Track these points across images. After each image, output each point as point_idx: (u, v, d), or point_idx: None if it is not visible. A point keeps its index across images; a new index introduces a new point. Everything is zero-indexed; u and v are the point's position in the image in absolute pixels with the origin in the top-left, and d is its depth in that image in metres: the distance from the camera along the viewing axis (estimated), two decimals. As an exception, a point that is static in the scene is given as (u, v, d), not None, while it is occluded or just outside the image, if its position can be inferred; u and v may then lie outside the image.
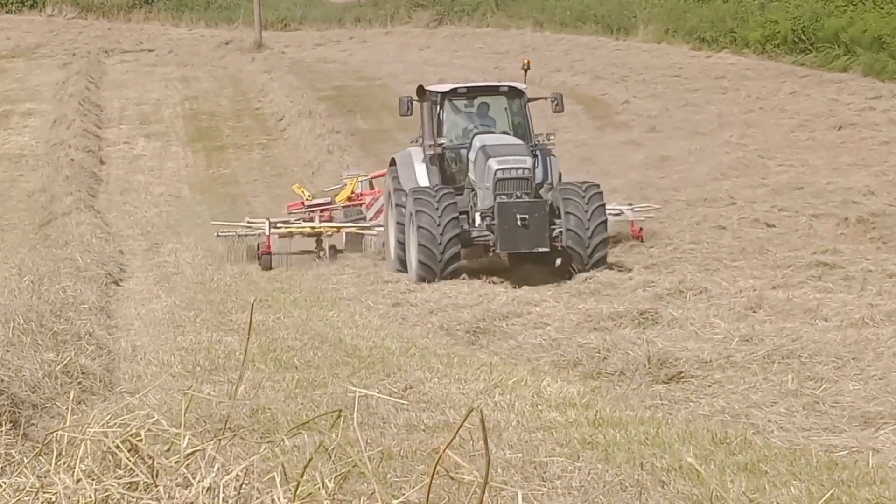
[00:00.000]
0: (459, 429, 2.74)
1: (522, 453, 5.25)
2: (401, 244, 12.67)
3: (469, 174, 12.74)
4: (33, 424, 5.76)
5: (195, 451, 2.98)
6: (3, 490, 2.98)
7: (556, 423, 5.94)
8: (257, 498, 2.90)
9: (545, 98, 13.57)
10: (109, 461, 3.00)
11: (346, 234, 15.45)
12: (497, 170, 12.20)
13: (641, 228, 14.44)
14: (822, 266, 11.58)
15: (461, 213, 12.29)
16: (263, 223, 15.19)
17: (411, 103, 13.05)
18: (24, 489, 2.96)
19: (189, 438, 3.01)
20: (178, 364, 7.79)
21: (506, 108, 13.26)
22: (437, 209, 11.95)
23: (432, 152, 12.91)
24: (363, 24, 38.58)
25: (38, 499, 2.93)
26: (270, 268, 14.61)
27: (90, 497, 2.90)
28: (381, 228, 14.73)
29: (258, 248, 15.02)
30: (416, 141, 13.42)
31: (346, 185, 16.84)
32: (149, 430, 3.02)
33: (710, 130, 23.31)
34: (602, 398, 6.54)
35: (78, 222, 17.12)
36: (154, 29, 39.02)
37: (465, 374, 7.22)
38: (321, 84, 30.49)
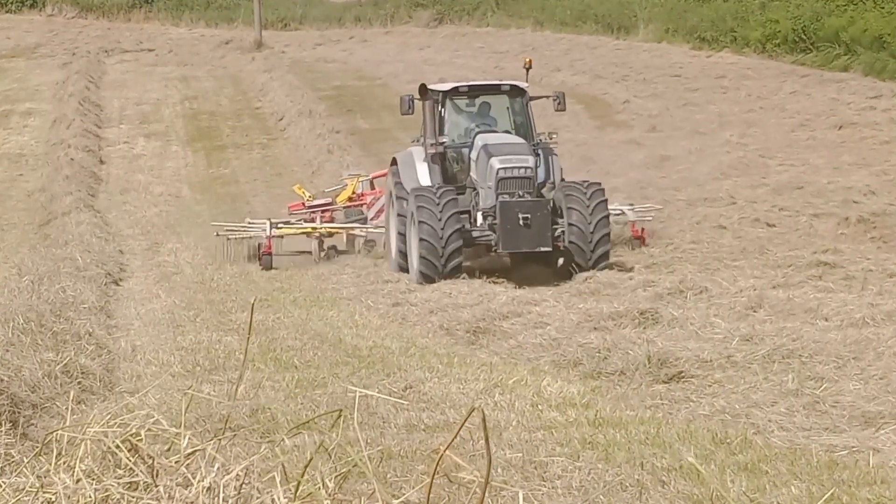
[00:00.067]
0: (461, 429, 2.74)
1: (522, 453, 5.24)
2: (402, 244, 12.61)
3: (471, 173, 12.70)
4: (33, 424, 5.76)
5: (195, 450, 2.98)
6: (3, 490, 2.98)
7: (557, 422, 5.93)
8: (257, 498, 2.89)
9: (547, 97, 13.51)
10: (109, 461, 3.00)
11: (347, 234, 15.43)
12: (499, 169, 12.16)
13: (643, 229, 14.40)
14: (823, 266, 11.57)
15: (463, 212, 12.24)
16: (264, 224, 15.17)
17: (413, 102, 13.01)
18: (23, 489, 2.96)
19: (189, 438, 3.01)
20: (177, 364, 7.78)
21: (508, 107, 13.21)
22: (438, 209, 11.91)
23: (434, 151, 12.87)
24: (363, 23, 38.57)
25: (37, 499, 2.92)
26: (271, 268, 14.59)
27: (90, 497, 2.90)
28: (366, 228, 14.73)
29: (259, 249, 15.01)
30: (418, 140, 13.38)
31: (346, 185, 16.81)
32: (149, 429, 3.02)
33: (710, 130, 23.31)
34: (602, 398, 6.54)
35: (78, 222, 17.12)
36: (154, 28, 39.02)
37: (466, 373, 7.22)
38: (321, 84, 30.49)
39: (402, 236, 12.62)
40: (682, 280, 10.39)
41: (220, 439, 3.05)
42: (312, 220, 15.78)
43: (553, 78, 26.37)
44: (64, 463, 2.98)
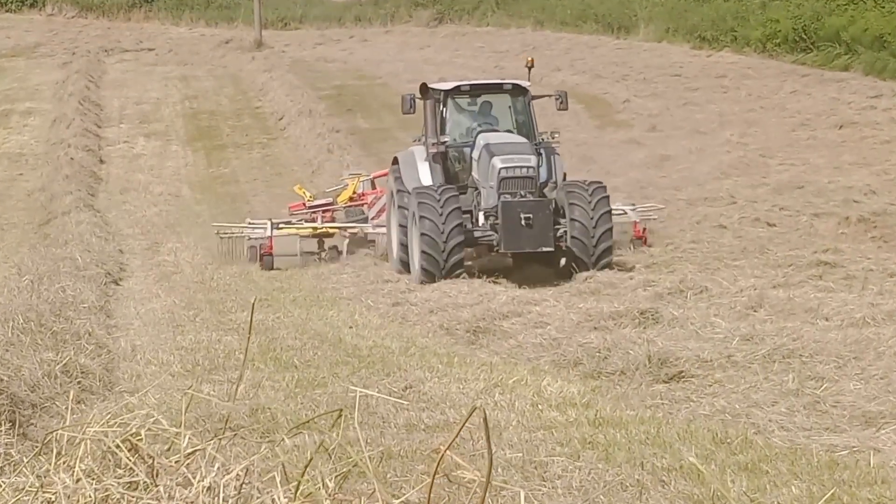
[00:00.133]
0: (461, 428, 2.73)
1: (523, 453, 5.24)
2: (403, 245, 12.55)
3: (472, 173, 12.64)
4: (33, 424, 5.76)
5: (195, 450, 2.98)
6: (3, 490, 2.97)
7: (557, 422, 5.93)
8: (258, 497, 2.89)
9: (550, 95, 13.44)
10: (109, 461, 2.99)
11: (348, 234, 15.39)
12: (501, 168, 12.10)
13: (645, 229, 14.38)
14: (823, 265, 11.57)
15: (464, 212, 12.18)
16: (265, 224, 15.14)
17: (414, 101, 12.95)
18: (23, 489, 2.95)
19: (189, 438, 3.00)
20: (177, 363, 7.78)
21: (510, 106, 13.14)
22: (440, 209, 11.86)
23: (435, 151, 12.81)
24: (363, 23, 38.57)
25: (37, 498, 2.92)
26: (272, 268, 14.57)
27: (90, 497, 2.89)
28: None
29: (259, 249, 14.98)
30: (419, 140, 13.33)
31: (347, 185, 16.78)
32: (149, 429, 3.01)
33: (710, 129, 23.30)
34: (602, 398, 6.54)
35: (77, 221, 17.11)
36: (154, 28, 39.01)
37: (466, 373, 7.21)
38: (321, 83, 30.48)
39: (404, 236, 12.56)
40: (682, 280, 10.39)
41: (220, 439, 3.05)
42: (313, 221, 15.75)
43: (553, 77, 26.36)
44: (64, 463, 2.98)
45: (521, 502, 4.16)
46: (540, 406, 6.28)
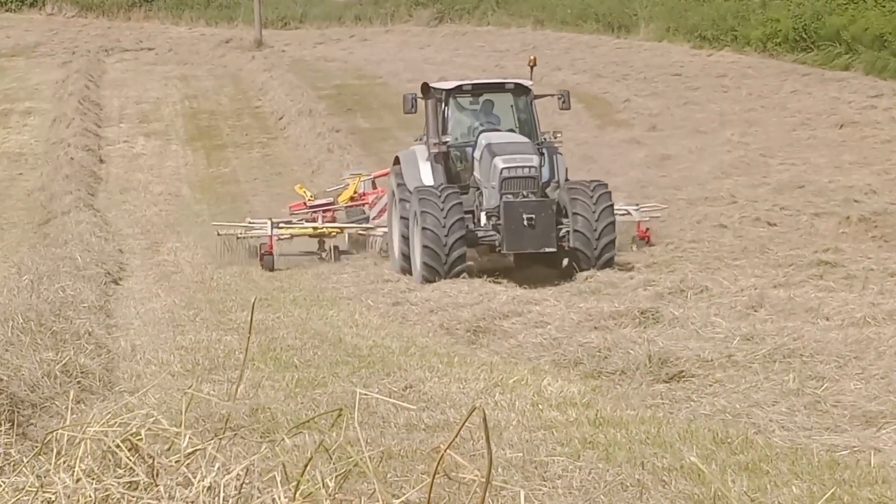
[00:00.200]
0: (461, 428, 2.73)
1: (523, 453, 5.23)
2: (405, 244, 12.47)
3: (474, 173, 12.58)
4: (32, 424, 5.75)
5: (195, 450, 2.97)
6: (3, 489, 2.97)
7: (557, 422, 5.92)
8: (258, 497, 2.88)
9: (552, 95, 13.37)
10: (109, 460, 2.98)
11: (349, 234, 15.36)
12: (503, 168, 12.03)
13: (648, 229, 14.35)
14: (824, 265, 11.56)
15: (466, 212, 12.11)
16: (265, 223, 15.11)
17: (415, 101, 12.88)
18: (23, 489, 2.95)
19: (189, 438, 2.99)
20: (177, 363, 7.77)
21: (512, 106, 13.07)
22: (442, 209, 11.79)
23: (437, 150, 12.74)
24: (363, 22, 38.56)
25: (37, 498, 2.91)
26: (273, 269, 14.54)
27: (90, 496, 2.89)
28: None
29: (260, 249, 14.95)
30: (421, 139, 13.28)
31: (348, 184, 16.75)
32: (149, 429, 3.01)
33: (711, 129, 23.29)
34: (603, 397, 6.53)
35: (77, 221, 17.10)
36: (154, 27, 39.00)
37: (466, 373, 7.21)
38: (321, 82, 30.47)
39: (405, 237, 12.49)
40: (682, 279, 10.38)
41: (220, 439, 3.04)
42: (314, 220, 15.72)
43: (553, 77, 26.35)
44: (64, 462, 2.97)
45: (521, 502, 4.15)
46: (540, 406, 6.27)
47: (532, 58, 13.61)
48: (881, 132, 22.01)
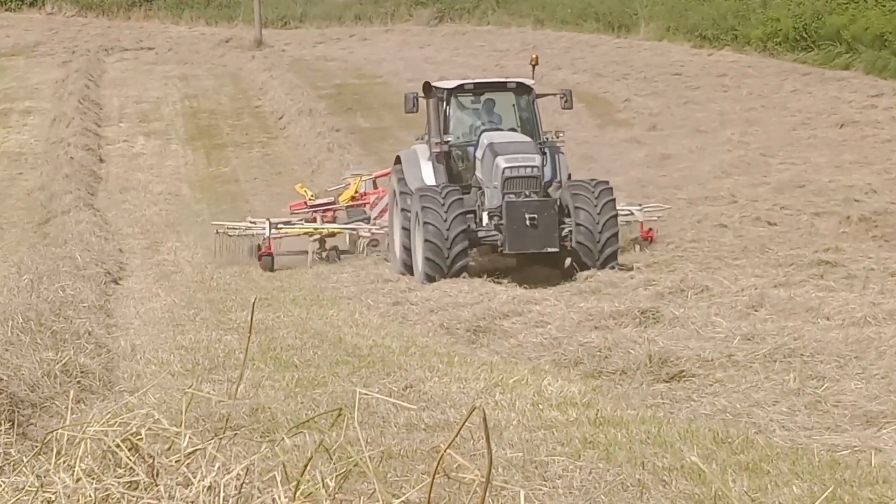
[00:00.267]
0: (461, 428, 2.72)
1: (523, 452, 5.23)
2: (406, 245, 12.39)
3: (476, 172, 12.51)
4: (32, 423, 5.75)
5: (195, 450, 2.97)
6: (3, 489, 2.96)
7: (557, 422, 5.92)
8: (258, 497, 2.88)
9: (554, 94, 13.29)
10: (109, 460, 2.98)
11: (349, 234, 15.32)
12: (505, 168, 11.96)
13: (651, 229, 14.33)
14: (824, 264, 11.55)
15: (468, 212, 12.05)
16: (264, 223, 15.07)
17: (417, 100, 12.81)
18: (23, 488, 2.94)
19: (189, 437, 2.99)
20: (177, 363, 7.77)
21: (513, 105, 13.00)
22: (443, 209, 11.73)
23: (438, 150, 12.66)
24: (363, 21, 38.55)
25: (37, 498, 2.91)
26: (272, 269, 14.51)
27: (90, 496, 2.88)
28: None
29: (259, 249, 14.92)
30: (421, 138, 13.22)
31: (349, 184, 16.72)
32: (149, 429, 3.00)
33: (711, 128, 23.29)
34: (603, 397, 6.52)
35: (77, 221, 17.10)
36: (154, 27, 39.00)
37: (466, 373, 7.20)
38: (321, 82, 30.47)
39: (406, 237, 12.39)
40: (683, 279, 10.37)
41: (220, 438, 3.04)
42: (314, 220, 15.69)
43: (554, 76, 26.34)
44: (64, 462, 2.97)
45: (521, 502, 4.14)
46: (540, 405, 6.26)
47: (534, 56, 13.53)
48: (881, 132, 22.01)
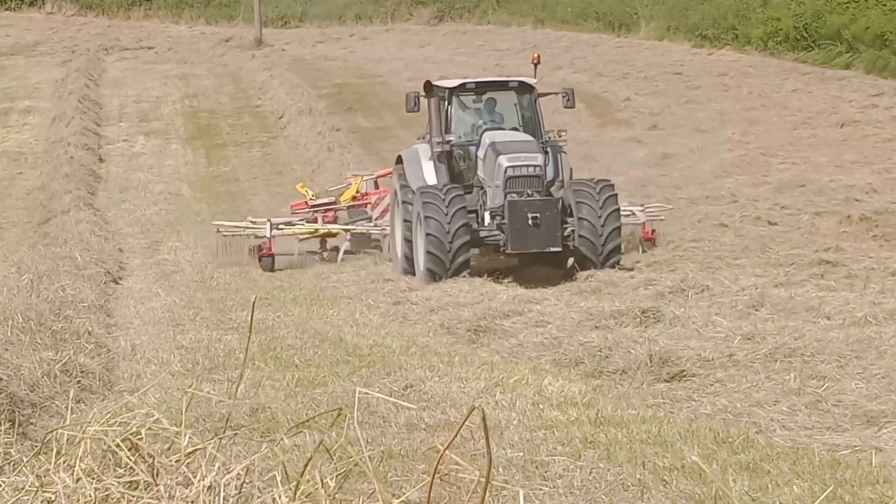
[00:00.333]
0: (461, 428, 2.72)
1: (524, 452, 5.23)
2: (408, 245, 12.30)
3: (478, 172, 12.46)
4: (32, 423, 5.74)
5: (196, 449, 2.96)
6: (3, 489, 2.96)
7: (558, 421, 5.91)
8: (258, 497, 2.88)
9: (556, 93, 13.23)
10: (109, 460, 2.98)
11: (351, 234, 15.28)
12: (507, 167, 11.90)
13: (654, 230, 14.30)
14: (825, 264, 11.55)
15: (470, 212, 11.99)
16: (265, 223, 15.04)
17: (418, 99, 12.74)
18: (23, 488, 2.94)
19: (189, 437, 2.99)
20: (177, 363, 7.76)
21: (515, 104, 12.94)
22: (445, 208, 11.66)
23: (440, 150, 12.61)
24: (364, 21, 38.56)
25: (37, 498, 2.91)
26: (272, 270, 14.48)
27: (90, 496, 2.88)
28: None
29: (259, 250, 14.89)
30: (423, 137, 13.17)
31: (350, 184, 16.69)
32: (149, 428, 3.00)
33: (711, 128, 23.30)
34: (604, 397, 6.52)
35: (77, 220, 17.10)
36: (154, 26, 39.00)
37: (466, 372, 7.20)
38: (321, 81, 30.47)
39: (408, 238, 12.33)
40: (683, 279, 10.36)
41: (220, 438, 3.03)
42: (315, 220, 15.65)
43: (554, 76, 26.34)
44: (64, 462, 2.96)
45: (520, 502, 4.14)
46: (541, 405, 6.26)
47: (536, 55, 13.48)
48: (882, 131, 22.02)
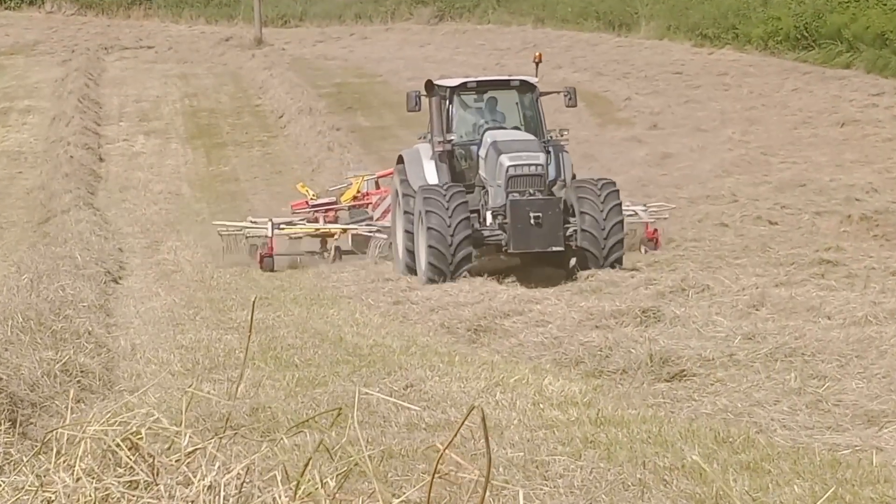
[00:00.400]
0: (461, 427, 2.72)
1: (524, 452, 5.22)
2: (409, 247, 12.27)
3: (480, 171, 12.41)
4: (32, 423, 5.74)
5: (196, 449, 2.96)
6: (3, 489, 2.96)
7: (558, 421, 5.91)
8: (258, 497, 2.87)
9: (558, 92, 13.17)
10: (109, 460, 2.97)
11: (353, 235, 15.27)
12: (509, 166, 11.85)
13: (657, 230, 14.26)
14: (825, 263, 11.55)
15: (472, 211, 11.94)
16: (266, 223, 15.02)
17: (419, 98, 12.69)
18: (23, 488, 2.94)
19: (189, 437, 2.98)
20: (177, 362, 7.76)
21: (517, 103, 12.89)
22: (447, 208, 11.62)
23: (441, 149, 12.57)
24: (364, 20, 38.56)
25: (37, 498, 2.90)
26: (273, 270, 14.46)
27: (90, 496, 2.88)
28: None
29: (259, 249, 14.87)
30: (424, 137, 13.14)
31: (351, 184, 16.67)
32: (149, 428, 3.00)
33: (712, 127, 23.30)
34: (604, 396, 6.52)
35: (77, 220, 17.10)
36: (154, 25, 39.00)
37: (467, 372, 7.20)
38: (321, 81, 30.47)
39: (410, 238, 12.27)
40: (683, 278, 10.36)
41: (220, 438, 3.03)
42: (315, 220, 15.64)
43: (554, 75, 26.33)
44: (64, 462, 2.96)
45: (520, 501, 4.13)
46: (541, 405, 6.25)
47: (538, 54, 13.42)
48: (882, 130, 22.03)
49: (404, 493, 2.92)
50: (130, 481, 2.93)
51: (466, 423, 2.70)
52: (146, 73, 32.41)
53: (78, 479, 2.90)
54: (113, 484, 2.90)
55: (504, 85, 13.06)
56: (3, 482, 2.99)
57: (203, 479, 2.88)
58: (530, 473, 4.95)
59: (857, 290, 9.77)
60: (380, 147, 22.56)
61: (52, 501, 2.90)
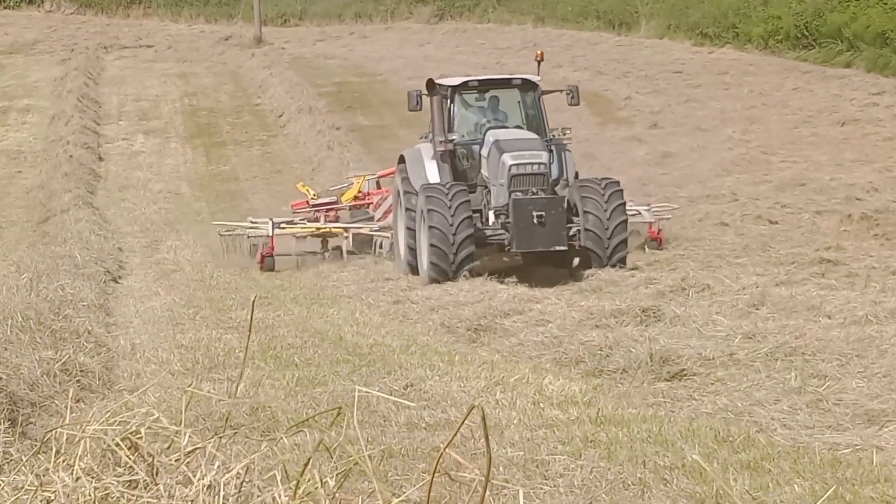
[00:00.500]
0: (460, 427, 2.71)
1: (524, 451, 5.22)
2: (411, 245, 12.23)
3: (482, 171, 12.35)
4: (32, 423, 5.74)
5: (195, 449, 2.96)
6: (3, 488, 2.95)
7: (558, 420, 5.91)
8: (258, 496, 2.87)
9: (560, 91, 13.09)
10: (109, 459, 2.97)
11: (353, 234, 15.24)
12: (512, 165, 11.79)
13: (660, 230, 14.21)
14: (826, 263, 11.55)
15: (474, 211, 11.89)
16: (266, 223, 14.99)
17: (421, 98, 12.61)
18: (22, 487, 2.93)
19: (189, 436, 2.98)
20: (177, 362, 7.76)
21: (519, 102, 12.82)
22: (449, 207, 11.56)
23: (443, 148, 12.48)
24: (363, 19, 38.56)
25: (36, 497, 2.90)
26: (273, 270, 14.45)
27: (89, 495, 2.87)
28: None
29: (260, 248, 14.84)
30: (425, 136, 13.09)
31: (352, 183, 16.64)
32: (148, 427, 2.99)
33: (712, 126, 23.30)
34: (604, 396, 6.51)
35: (76, 219, 17.10)
36: (153, 24, 38.99)
37: (467, 371, 7.19)
38: (321, 80, 30.46)
39: (411, 238, 12.23)
40: (684, 277, 10.35)
41: (220, 437, 3.02)
42: (316, 220, 15.62)
43: (554, 74, 26.29)
44: (63, 461, 2.96)
45: (520, 501, 4.13)
46: (541, 404, 6.25)
47: (539, 52, 13.35)
48: (883, 130, 22.03)
49: (404, 493, 2.91)
50: (130, 481, 2.92)
51: (466, 422, 2.69)
52: (145, 72, 32.40)
53: (77, 479, 2.90)
54: (112, 483, 2.90)
55: (506, 84, 13.01)
56: (3, 482, 2.98)
57: (203, 479, 2.88)
58: (530, 473, 4.94)
59: (858, 290, 9.77)
60: (380, 146, 22.55)
61: (52, 501, 2.89)
